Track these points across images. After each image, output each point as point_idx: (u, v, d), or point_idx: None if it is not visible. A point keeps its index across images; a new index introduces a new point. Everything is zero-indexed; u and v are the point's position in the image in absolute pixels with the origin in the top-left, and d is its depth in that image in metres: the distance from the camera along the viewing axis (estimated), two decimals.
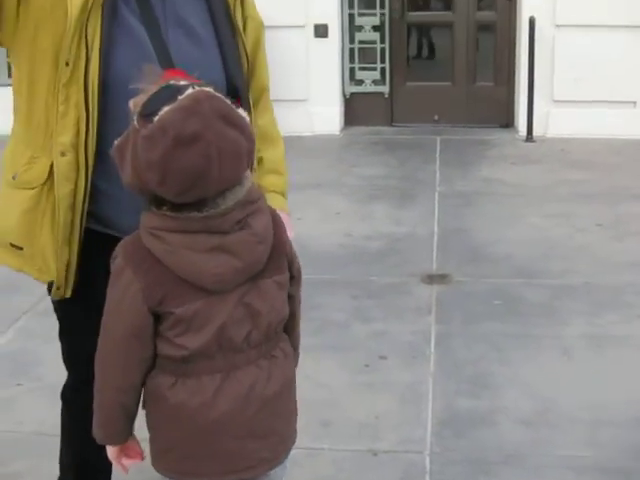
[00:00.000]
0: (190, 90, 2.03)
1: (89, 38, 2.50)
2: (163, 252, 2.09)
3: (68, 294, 2.65)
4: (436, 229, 6.45)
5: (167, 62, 2.53)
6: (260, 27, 2.86)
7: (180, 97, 2.01)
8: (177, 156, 1.97)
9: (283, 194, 2.89)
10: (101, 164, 2.51)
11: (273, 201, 2.78)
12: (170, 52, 2.57)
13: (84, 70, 2.49)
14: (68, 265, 2.61)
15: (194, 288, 2.12)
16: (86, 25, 2.49)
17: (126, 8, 2.58)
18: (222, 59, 2.67)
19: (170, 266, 2.10)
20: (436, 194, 7.23)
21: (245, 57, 2.71)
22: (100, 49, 2.50)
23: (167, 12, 2.62)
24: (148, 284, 2.10)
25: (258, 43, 2.85)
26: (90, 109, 2.49)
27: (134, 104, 2.09)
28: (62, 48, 2.51)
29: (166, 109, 1.99)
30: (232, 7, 2.71)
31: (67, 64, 2.49)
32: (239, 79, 2.69)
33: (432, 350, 4.59)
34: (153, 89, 2.07)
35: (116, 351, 2.17)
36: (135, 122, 2.03)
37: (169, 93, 2.03)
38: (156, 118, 1.99)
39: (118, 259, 2.15)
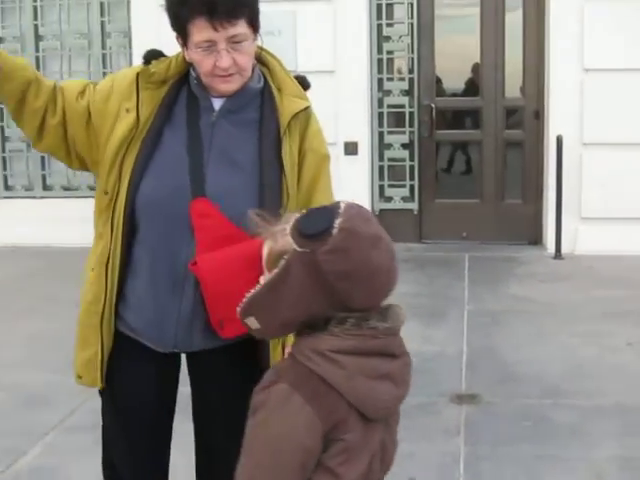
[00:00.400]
0: (341, 204, 2.09)
1: (123, 170, 2.72)
2: (340, 377, 2.03)
3: (88, 383, 2.91)
4: (465, 348, 6.42)
5: (199, 190, 2.70)
6: (323, 160, 2.88)
7: (340, 210, 2.06)
8: (374, 255, 2.03)
9: None
10: (132, 279, 2.82)
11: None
12: (205, 181, 2.70)
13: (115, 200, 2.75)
14: (88, 360, 2.87)
15: (356, 415, 2.06)
16: (123, 157, 2.71)
17: (172, 136, 2.76)
18: (259, 192, 2.72)
19: (345, 392, 2.03)
20: (465, 312, 7.22)
21: (286, 195, 2.74)
22: (130, 181, 2.71)
23: (214, 140, 2.75)
24: (322, 409, 2.01)
25: (318, 176, 2.85)
26: (114, 233, 2.76)
27: (270, 247, 2.14)
28: (100, 176, 2.77)
29: (341, 220, 2.03)
30: (284, 143, 2.75)
31: (106, 192, 2.75)
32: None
33: (461, 472, 4.53)
34: (277, 227, 2.15)
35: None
36: (298, 247, 2.04)
37: (327, 210, 2.08)
38: (335, 230, 2.01)
39: (281, 385, 2.03)
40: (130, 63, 9.44)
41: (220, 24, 2.59)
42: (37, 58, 9.86)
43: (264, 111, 2.79)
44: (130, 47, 9.61)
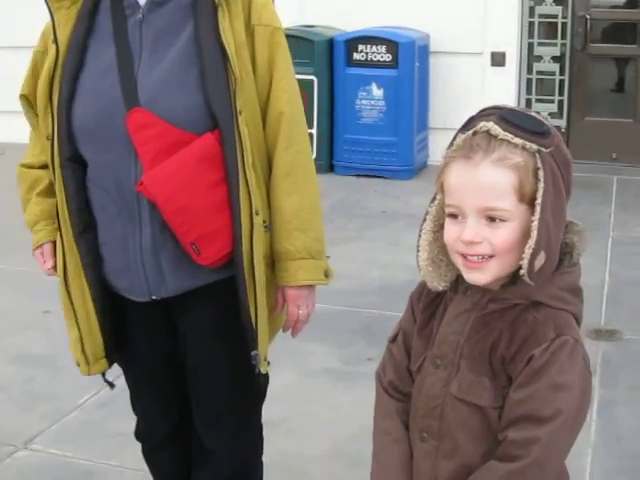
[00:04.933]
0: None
1: (54, 105, 2.52)
2: (581, 313, 1.99)
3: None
4: (607, 278, 6.02)
5: (133, 101, 2.43)
6: (276, 35, 2.54)
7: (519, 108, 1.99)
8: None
9: (313, 256, 2.58)
10: (98, 229, 2.59)
11: (299, 273, 2.54)
12: (137, 89, 2.43)
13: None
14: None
15: None
16: (50, 92, 2.52)
17: (98, 49, 2.52)
18: (201, 83, 2.42)
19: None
20: (609, 240, 6.79)
21: (233, 81, 2.42)
22: (59, 113, 2.50)
23: (144, 41, 2.47)
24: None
25: (274, 55, 2.53)
26: (55, 163, 2.54)
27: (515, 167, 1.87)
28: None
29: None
30: (220, 17, 2.42)
31: (48, 138, 2.55)
32: (221, 108, 2.42)
33: (594, 417, 4.20)
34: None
35: (572, 436, 1.94)
36: (545, 148, 1.85)
37: (520, 110, 1.95)
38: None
39: (563, 338, 1.88)
40: None
41: None
42: None
43: None
44: None
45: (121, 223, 2.51)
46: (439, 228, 1.98)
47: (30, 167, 2.74)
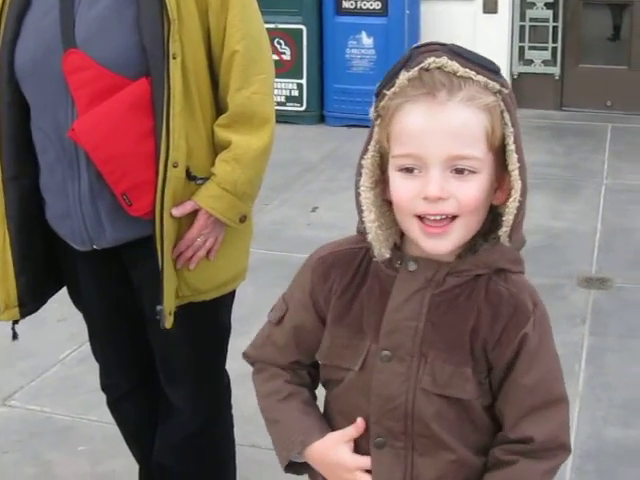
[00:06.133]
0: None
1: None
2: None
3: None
4: (599, 226, 5.93)
5: (69, 41, 2.34)
6: None
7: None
8: None
9: (237, 194, 2.45)
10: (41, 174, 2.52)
11: (212, 200, 2.42)
12: (75, 28, 2.34)
13: None
14: None
15: None
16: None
17: None
18: (137, 23, 2.32)
19: None
20: (602, 187, 6.69)
21: (167, 22, 2.30)
22: (2, 48, 2.42)
23: None
24: None
25: None
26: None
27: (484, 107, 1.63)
28: None
29: None
30: None
31: None
32: (152, 51, 2.30)
33: (582, 366, 4.12)
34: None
35: None
36: (506, 89, 1.63)
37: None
38: None
39: (540, 308, 1.71)
40: None
41: None
42: None
43: None
44: None
45: (61, 168, 2.42)
46: (375, 185, 1.70)
47: None
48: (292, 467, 1.85)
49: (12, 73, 2.41)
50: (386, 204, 1.71)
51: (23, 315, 2.63)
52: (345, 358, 1.76)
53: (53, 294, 2.75)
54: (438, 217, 1.61)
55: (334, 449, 1.77)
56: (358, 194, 1.70)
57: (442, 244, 1.64)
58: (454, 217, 1.62)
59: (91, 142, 2.31)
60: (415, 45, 1.68)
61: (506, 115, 1.62)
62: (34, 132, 2.46)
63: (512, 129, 1.63)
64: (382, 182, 1.70)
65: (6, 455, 3.63)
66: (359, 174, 1.70)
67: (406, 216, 1.65)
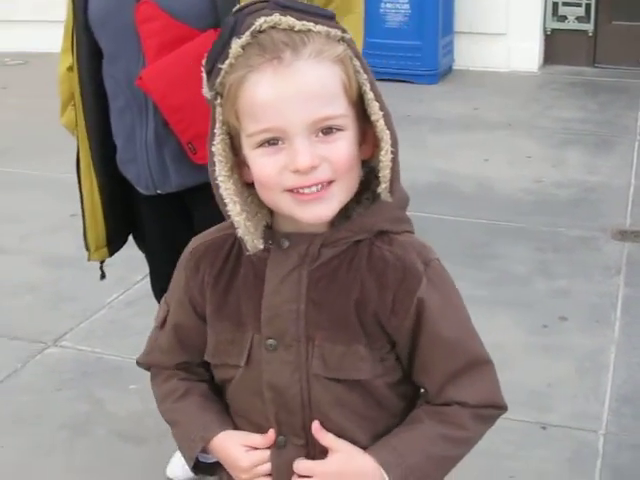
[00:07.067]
0: None
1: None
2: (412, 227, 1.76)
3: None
4: (633, 181, 5.97)
5: None
6: None
7: None
8: None
9: None
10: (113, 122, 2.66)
11: None
12: None
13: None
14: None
15: None
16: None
17: None
18: None
19: None
20: (636, 143, 6.70)
21: None
22: (75, 10, 2.55)
23: None
24: None
25: None
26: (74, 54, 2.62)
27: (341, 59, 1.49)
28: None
29: None
30: None
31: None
32: (223, 3, 2.36)
33: (618, 315, 4.20)
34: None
35: None
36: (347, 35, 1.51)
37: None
38: None
39: (432, 262, 1.57)
40: None
41: None
42: None
43: None
44: None
45: (130, 115, 2.55)
46: (231, 172, 1.52)
47: None
48: (202, 468, 1.75)
49: (87, 22, 2.52)
50: (247, 189, 1.55)
51: (111, 253, 2.81)
52: (231, 354, 1.61)
53: (129, 234, 2.91)
54: (314, 189, 1.46)
55: (232, 447, 1.64)
56: (217, 186, 1.52)
57: (322, 210, 1.48)
58: (330, 182, 1.47)
59: (159, 91, 2.41)
60: (236, 8, 1.51)
61: (356, 62, 1.48)
62: (106, 79, 2.57)
63: (366, 76, 1.48)
64: (237, 166, 1.54)
65: (60, 392, 3.75)
66: (212, 164, 1.52)
67: (275, 194, 1.49)
